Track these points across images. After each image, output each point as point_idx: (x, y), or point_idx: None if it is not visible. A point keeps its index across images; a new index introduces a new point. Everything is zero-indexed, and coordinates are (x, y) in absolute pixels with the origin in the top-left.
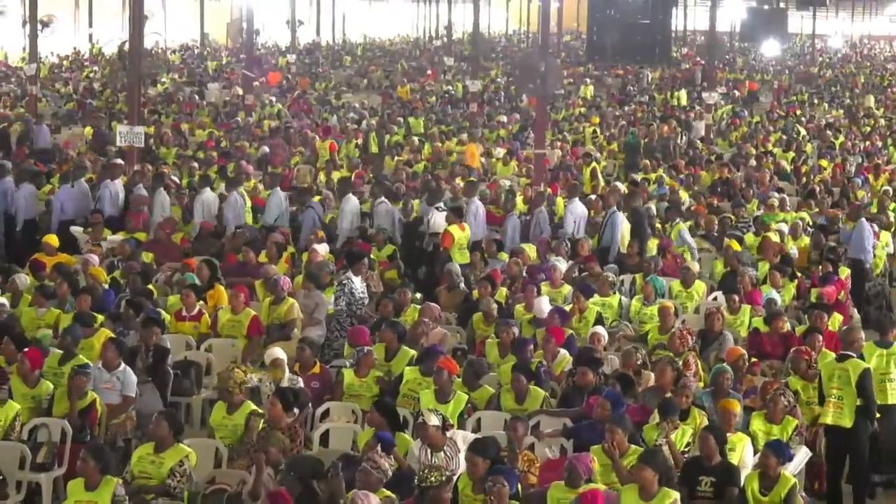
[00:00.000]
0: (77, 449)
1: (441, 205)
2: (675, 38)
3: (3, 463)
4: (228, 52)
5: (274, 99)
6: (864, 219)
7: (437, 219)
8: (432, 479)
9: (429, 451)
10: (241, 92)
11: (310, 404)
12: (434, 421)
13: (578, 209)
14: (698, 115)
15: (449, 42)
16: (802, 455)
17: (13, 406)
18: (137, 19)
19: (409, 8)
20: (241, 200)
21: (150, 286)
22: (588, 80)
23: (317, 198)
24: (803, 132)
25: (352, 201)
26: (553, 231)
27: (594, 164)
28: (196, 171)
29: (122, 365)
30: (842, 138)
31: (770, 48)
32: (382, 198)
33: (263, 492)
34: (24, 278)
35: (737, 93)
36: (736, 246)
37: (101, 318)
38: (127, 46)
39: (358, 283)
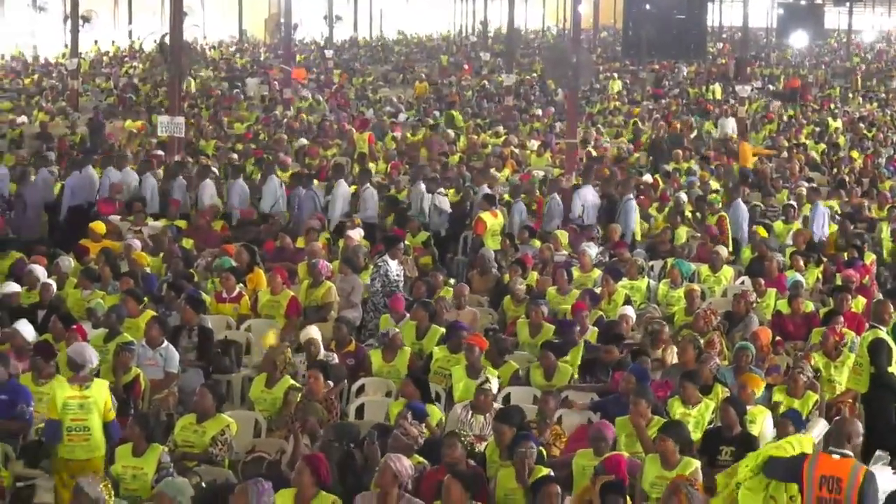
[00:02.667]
0: (122, 422)
1: (442, 190)
2: (710, 33)
3: None
4: (266, 48)
5: (309, 94)
6: (740, 200)
7: (444, 202)
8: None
9: (471, 412)
10: (279, 87)
11: (345, 380)
12: (495, 387)
13: (589, 195)
14: (728, 110)
15: (484, 37)
16: (821, 427)
17: (61, 380)
18: (177, 12)
19: (446, 4)
20: (245, 188)
21: (191, 271)
22: (616, 75)
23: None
24: (835, 124)
25: (343, 186)
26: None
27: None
28: (235, 162)
29: (165, 342)
30: (874, 131)
31: (799, 40)
32: (367, 184)
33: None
34: (67, 261)
35: (771, 87)
36: (763, 232)
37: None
38: (167, 39)
39: (394, 266)
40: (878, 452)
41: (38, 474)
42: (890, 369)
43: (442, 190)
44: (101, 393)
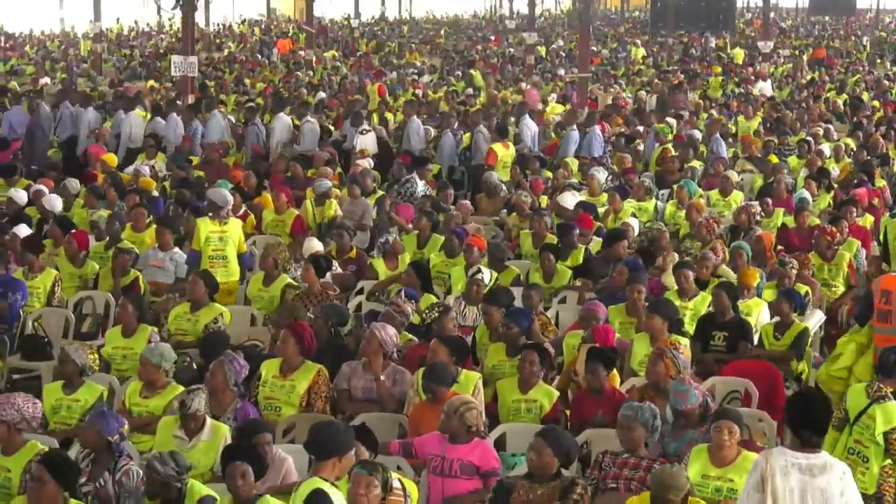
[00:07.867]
0: None
1: (365, 127)
2: (742, 9)
3: (48, 327)
4: (294, 23)
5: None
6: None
7: (359, 141)
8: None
9: (464, 303)
10: (303, 54)
11: (353, 289)
12: (486, 279)
13: (533, 126)
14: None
15: (511, 6)
16: (817, 318)
17: (51, 273)
18: None
19: None
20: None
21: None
22: (638, 42)
23: None
24: (857, 78)
25: (282, 119)
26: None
27: None
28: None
29: (177, 249)
30: None
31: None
32: (308, 117)
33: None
34: (75, 183)
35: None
36: (774, 159)
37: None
38: None
39: (420, 185)
40: None
41: (36, 366)
42: None
43: (365, 127)
44: (236, 229)
